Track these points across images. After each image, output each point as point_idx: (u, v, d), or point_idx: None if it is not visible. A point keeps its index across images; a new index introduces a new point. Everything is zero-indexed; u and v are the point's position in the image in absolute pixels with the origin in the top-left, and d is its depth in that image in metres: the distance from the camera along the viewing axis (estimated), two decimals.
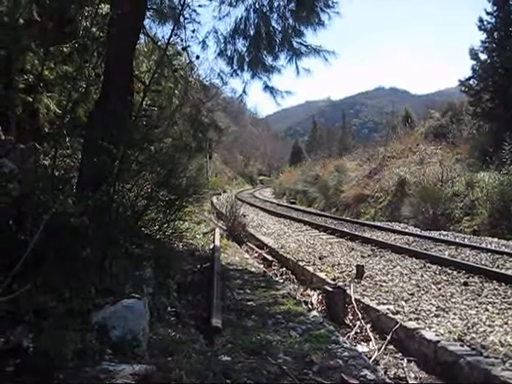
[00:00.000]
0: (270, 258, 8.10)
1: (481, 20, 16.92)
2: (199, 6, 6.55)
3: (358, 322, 4.50)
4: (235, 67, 7.15)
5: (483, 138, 16.97)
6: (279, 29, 6.70)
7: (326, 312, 4.83)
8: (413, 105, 44.68)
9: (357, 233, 10.64)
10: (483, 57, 17.20)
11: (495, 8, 16.66)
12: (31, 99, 5.13)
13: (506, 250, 7.85)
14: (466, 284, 5.59)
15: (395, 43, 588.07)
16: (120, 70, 4.62)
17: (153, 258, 4.17)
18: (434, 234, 10.76)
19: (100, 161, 3.63)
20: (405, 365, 3.62)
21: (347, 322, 4.63)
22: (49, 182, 3.43)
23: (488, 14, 16.83)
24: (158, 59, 6.40)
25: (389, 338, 4.05)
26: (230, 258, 7.38)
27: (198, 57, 7.07)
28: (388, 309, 4.56)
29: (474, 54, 17.25)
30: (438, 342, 3.61)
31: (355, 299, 4.90)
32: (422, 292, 5.24)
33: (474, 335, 3.79)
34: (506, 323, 4.09)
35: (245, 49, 6.95)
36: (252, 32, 6.76)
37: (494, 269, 6.29)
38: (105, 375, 2.15)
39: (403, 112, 34.53)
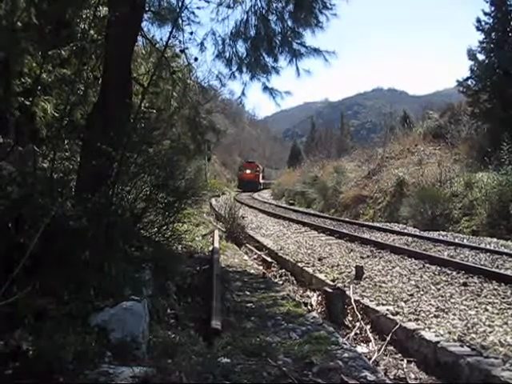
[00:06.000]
0: (269, 259, 8.09)
1: (478, 20, 16.95)
2: (197, 8, 6.57)
3: (358, 323, 4.50)
4: (233, 69, 7.16)
5: (481, 138, 16.98)
6: (279, 30, 6.72)
7: (325, 313, 4.82)
8: (411, 105, 44.88)
9: (356, 234, 10.64)
10: (481, 57, 17.22)
11: (493, 8, 16.70)
12: (29, 102, 5.13)
13: (505, 250, 7.87)
14: (465, 284, 5.59)
15: (393, 44, 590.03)
16: (118, 72, 4.63)
17: (152, 261, 4.17)
18: (433, 234, 10.78)
19: (99, 163, 3.64)
20: (405, 366, 3.61)
21: (347, 323, 4.63)
22: (48, 184, 3.43)
23: (486, 14, 16.86)
24: (157, 61, 6.41)
25: (388, 338, 4.05)
26: (229, 260, 7.38)
27: (196, 59, 7.11)
28: (387, 310, 4.55)
29: (471, 55, 17.27)
30: (438, 342, 3.61)
31: (355, 300, 4.90)
32: (422, 292, 5.24)
33: (473, 335, 3.79)
34: (506, 323, 4.09)
35: (244, 50, 6.97)
36: (252, 34, 6.77)
37: (493, 269, 6.30)
38: (104, 378, 2.14)
39: (401, 113, 34.59)
